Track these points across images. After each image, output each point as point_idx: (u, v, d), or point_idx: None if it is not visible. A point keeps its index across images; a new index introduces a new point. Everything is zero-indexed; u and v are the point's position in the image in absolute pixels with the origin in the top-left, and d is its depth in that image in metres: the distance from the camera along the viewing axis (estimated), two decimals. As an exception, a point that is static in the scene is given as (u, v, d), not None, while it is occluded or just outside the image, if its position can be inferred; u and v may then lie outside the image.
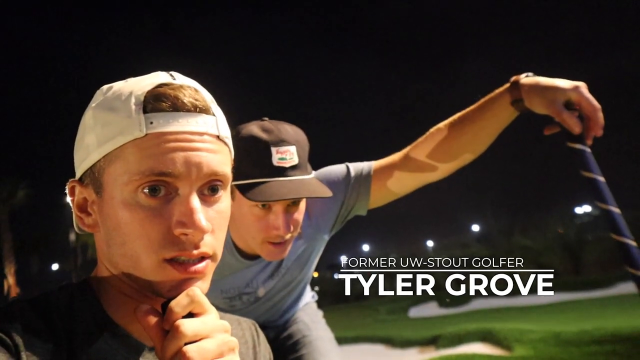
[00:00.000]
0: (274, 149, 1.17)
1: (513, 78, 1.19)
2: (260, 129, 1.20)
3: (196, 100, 0.61)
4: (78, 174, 0.65)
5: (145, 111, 0.59)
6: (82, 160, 0.63)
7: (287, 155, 1.18)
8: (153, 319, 0.55)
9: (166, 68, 0.65)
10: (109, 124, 0.60)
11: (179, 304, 0.55)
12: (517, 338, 5.55)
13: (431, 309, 12.91)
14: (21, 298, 0.63)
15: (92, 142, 0.61)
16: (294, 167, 1.19)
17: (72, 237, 24.82)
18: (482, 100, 1.24)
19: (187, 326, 0.53)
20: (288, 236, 1.23)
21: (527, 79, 1.16)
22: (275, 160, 1.17)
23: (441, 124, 1.32)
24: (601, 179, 1.06)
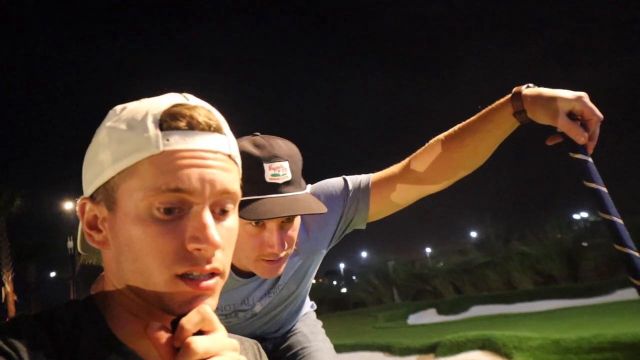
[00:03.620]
0: (266, 165, 1.14)
1: (515, 89, 1.18)
2: (252, 145, 1.17)
3: (210, 120, 0.63)
4: (89, 192, 0.66)
5: (161, 129, 0.60)
6: (95, 177, 0.64)
7: (280, 171, 1.15)
8: (164, 336, 0.56)
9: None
10: (125, 140, 0.61)
11: (190, 321, 0.56)
12: (516, 345, 5.52)
13: (430, 316, 12.86)
14: (26, 313, 0.63)
15: (106, 159, 0.62)
16: (287, 183, 1.16)
17: (70, 244, 24.74)
18: (483, 111, 1.23)
19: (198, 343, 0.54)
20: (283, 254, 1.20)
21: (529, 90, 1.16)
22: (268, 177, 1.14)
23: (441, 135, 1.30)
24: (604, 189, 1.05)
